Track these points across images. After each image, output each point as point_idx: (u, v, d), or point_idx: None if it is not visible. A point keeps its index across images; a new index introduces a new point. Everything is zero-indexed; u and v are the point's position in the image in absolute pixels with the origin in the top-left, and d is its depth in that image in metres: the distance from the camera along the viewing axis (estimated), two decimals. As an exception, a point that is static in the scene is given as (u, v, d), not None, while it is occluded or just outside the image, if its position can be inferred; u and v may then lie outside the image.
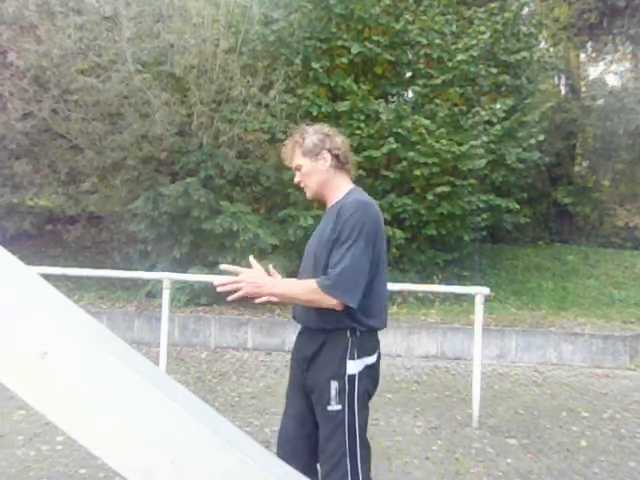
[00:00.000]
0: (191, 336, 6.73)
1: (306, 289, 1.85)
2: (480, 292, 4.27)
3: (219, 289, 1.87)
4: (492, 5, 9.32)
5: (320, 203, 2.23)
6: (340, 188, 2.05)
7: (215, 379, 5.33)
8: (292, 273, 5.55)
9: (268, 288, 1.88)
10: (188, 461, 0.53)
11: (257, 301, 1.93)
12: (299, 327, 2.13)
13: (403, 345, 6.59)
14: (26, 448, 3.48)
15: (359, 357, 1.88)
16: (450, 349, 6.56)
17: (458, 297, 7.85)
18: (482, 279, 9.02)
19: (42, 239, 9.32)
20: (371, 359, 1.93)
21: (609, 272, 10.35)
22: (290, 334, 6.61)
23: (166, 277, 4.67)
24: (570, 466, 3.53)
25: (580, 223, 13.59)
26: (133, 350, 0.62)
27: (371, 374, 1.93)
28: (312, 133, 2.05)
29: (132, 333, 6.62)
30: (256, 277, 1.90)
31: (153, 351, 5.36)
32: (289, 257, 7.45)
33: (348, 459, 1.84)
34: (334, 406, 1.85)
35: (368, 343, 1.92)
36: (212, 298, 7.36)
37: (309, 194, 2.11)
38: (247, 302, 7.92)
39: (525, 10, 11.67)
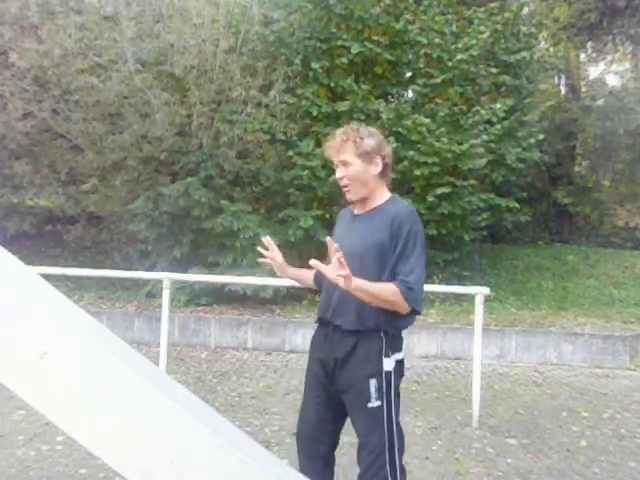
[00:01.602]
0: (191, 336, 6.73)
1: (389, 291, 1.89)
2: (480, 292, 4.27)
3: (339, 262, 1.75)
4: (492, 5, 9.32)
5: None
6: (381, 194, 2.09)
7: (215, 379, 5.33)
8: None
9: (355, 282, 1.84)
10: (188, 461, 0.53)
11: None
12: (322, 328, 2.14)
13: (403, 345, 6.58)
14: (26, 448, 3.48)
15: (392, 354, 2.00)
16: (450, 349, 6.56)
17: (458, 297, 7.85)
18: (482, 279, 9.02)
19: (42, 239, 9.32)
20: (400, 355, 2.05)
21: (609, 272, 10.35)
22: (290, 334, 6.61)
23: (166, 277, 4.68)
24: (570, 466, 3.53)
25: (580, 223, 13.59)
26: (133, 350, 0.62)
27: (401, 368, 2.07)
28: (369, 135, 2.04)
29: (132, 333, 6.62)
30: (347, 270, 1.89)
31: (153, 351, 5.36)
32: (289, 257, 7.43)
33: (387, 451, 1.95)
34: (374, 402, 1.94)
35: (398, 341, 2.05)
36: (212, 298, 7.36)
37: (351, 196, 2.07)
38: (247, 302, 7.89)
39: (525, 10, 11.68)
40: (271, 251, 2.29)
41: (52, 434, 3.65)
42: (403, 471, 2.02)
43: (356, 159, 2.01)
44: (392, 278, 1.94)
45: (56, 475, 3.12)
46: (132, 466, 0.53)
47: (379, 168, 2.04)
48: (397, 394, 2.02)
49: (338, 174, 2.06)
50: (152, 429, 0.53)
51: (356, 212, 2.14)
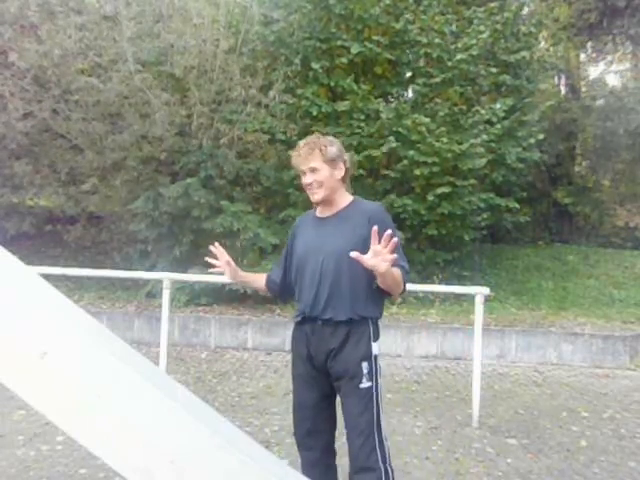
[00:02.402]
0: (191, 336, 6.73)
1: (399, 274, 2.06)
2: (480, 292, 4.27)
3: (390, 244, 1.84)
4: (492, 5, 9.32)
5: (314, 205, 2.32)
6: (345, 196, 2.27)
7: (215, 379, 5.33)
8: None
9: (388, 266, 1.93)
10: (188, 461, 0.53)
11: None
12: (307, 324, 2.22)
13: (403, 345, 6.59)
14: (26, 448, 3.48)
15: (377, 339, 2.18)
16: (450, 349, 6.56)
17: (458, 297, 7.85)
18: (482, 279, 9.02)
19: (42, 239, 9.31)
20: (379, 341, 2.22)
21: (609, 272, 10.35)
22: (290, 334, 6.60)
23: (166, 277, 4.68)
24: (570, 466, 3.53)
25: (580, 223, 13.59)
26: (133, 350, 0.62)
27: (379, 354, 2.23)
28: (331, 143, 2.22)
29: (132, 333, 6.62)
30: None
31: (153, 351, 5.36)
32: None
33: (376, 433, 2.09)
34: (365, 383, 2.10)
35: (379, 329, 2.23)
36: (212, 298, 7.36)
37: (318, 197, 2.21)
38: (247, 302, 7.87)
39: (525, 10, 11.68)
40: (222, 258, 2.40)
41: (52, 434, 3.65)
42: (390, 469, 2.14)
43: (324, 165, 2.19)
44: None
45: (56, 475, 3.12)
46: (132, 466, 0.53)
47: (342, 172, 2.23)
48: (380, 377, 2.19)
49: (307, 180, 2.21)
50: (152, 429, 0.53)
51: (321, 215, 2.27)
